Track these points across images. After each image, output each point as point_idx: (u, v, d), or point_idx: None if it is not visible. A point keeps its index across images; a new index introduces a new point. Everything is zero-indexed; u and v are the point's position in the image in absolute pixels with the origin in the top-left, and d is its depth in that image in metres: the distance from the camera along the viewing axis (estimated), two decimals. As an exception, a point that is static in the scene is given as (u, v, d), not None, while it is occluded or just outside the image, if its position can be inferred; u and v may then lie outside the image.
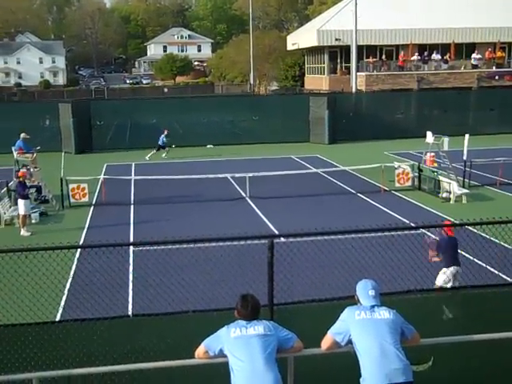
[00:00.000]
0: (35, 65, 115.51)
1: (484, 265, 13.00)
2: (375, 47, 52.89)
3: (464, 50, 52.69)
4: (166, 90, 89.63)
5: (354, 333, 5.81)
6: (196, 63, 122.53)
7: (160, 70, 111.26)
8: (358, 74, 47.52)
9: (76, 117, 34.59)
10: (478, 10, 53.04)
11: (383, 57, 52.10)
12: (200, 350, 5.84)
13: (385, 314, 5.88)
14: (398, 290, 7.98)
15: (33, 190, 20.70)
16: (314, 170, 25.86)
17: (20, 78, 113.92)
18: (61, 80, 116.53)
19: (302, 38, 60.56)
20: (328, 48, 54.73)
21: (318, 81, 58.20)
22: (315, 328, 6.05)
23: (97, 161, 31.52)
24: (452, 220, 17.28)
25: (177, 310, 7.26)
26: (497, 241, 12.11)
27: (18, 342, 6.26)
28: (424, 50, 51.53)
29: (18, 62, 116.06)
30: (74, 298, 11.92)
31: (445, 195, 21.12)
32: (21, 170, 19.43)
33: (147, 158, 31.95)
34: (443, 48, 51.92)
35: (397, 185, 22.77)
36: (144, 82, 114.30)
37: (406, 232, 12.51)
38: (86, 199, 21.11)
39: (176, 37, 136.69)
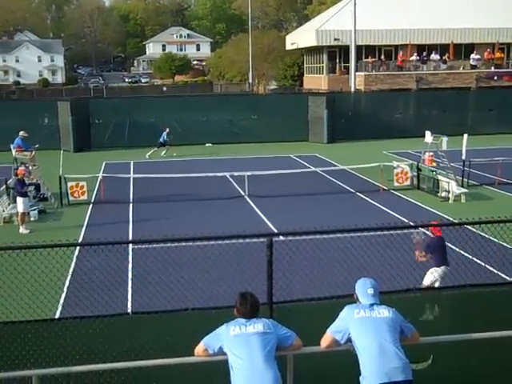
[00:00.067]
0: (34, 63, 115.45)
1: (483, 264, 13.00)
2: (374, 47, 52.93)
3: (463, 51, 52.77)
4: (164, 88, 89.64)
5: (353, 331, 5.82)
6: (195, 62, 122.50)
7: (159, 69, 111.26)
8: (357, 73, 47.54)
9: (75, 115, 34.56)
10: (477, 11, 53.08)
11: (382, 57, 52.15)
12: (199, 348, 5.84)
13: (384, 312, 5.88)
14: (397, 288, 8.00)
15: (31, 188, 20.66)
16: (313, 168, 25.86)
17: (19, 76, 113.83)
18: (59, 78, 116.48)
19: (300, 37, 60.58)
20: (327, 48, 54.76)
21: (316, 80, 58.22)
22: (314, 326, 6.06)
23: (95, 159, 31.50)
24: (451, 219, 17.30)
25: (176, 307, 7.27)
26: (496, 240, 12.10)
27: (17, 339, 6.26)
28: (423, 50, 51.57)
29: (17, 61, 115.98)
30: (73, 295, 11.91)
31: (443, 194, 21.14)
32: (19, 168, 19.40)
33: (147, 156, 31.97)
34: (442, 48, 51.98)
35: (396, 184, 22.78)
36: (143, 80, 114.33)
37: (405, 231, 12.54)
38: (84, 197, 21.10)
39: (175, 36, 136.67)
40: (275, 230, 16.63)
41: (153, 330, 6.53)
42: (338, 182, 24.11)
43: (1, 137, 29.59)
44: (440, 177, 21.91)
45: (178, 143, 32.88)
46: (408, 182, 22.89)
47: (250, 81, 76.35)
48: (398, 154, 30.51)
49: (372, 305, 5.92)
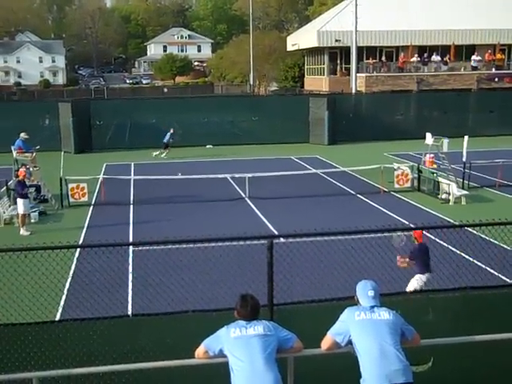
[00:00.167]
0: (35, 64, 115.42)
1: (483, 266, 13.01)
2: (375, 48, 52.95)
3: (464, 52, 52.75)
4: (165, 90, 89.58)
5: (353, 333, 5.81)
6: (196, 63, 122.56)
7: (160, 70, 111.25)
8: (358, 75, 47.55)
9: (76, 116, 34.59)
10: (478, 12, 53.08)
11: (383, 58, 52.16)
12: (200, 350, 5.84)
13: (385, 314, 5.88)
14: (397, 290, 7.99)
15: (32, 190, 20.68)
16: (314, 170, 25.87)
17: (20, 77, 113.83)
18: (60, 79, 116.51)
19: (302, 38, 60.59)
20: (328, 49, 54.77)
21: (317, 82, 58.22)
22: (315, 328, 6.05)
23: (96, 160, 31.51)
24: (451, 221, 17.29)
25: (176, 309, 7.26)
26: (496, 242, 12.12)
27: (17, 341, 6.26)
28: (424, 51, 51.57)
29: (18, 61, 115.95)
30: (73, 297, 11.92)
31: (444, 196, 21.14)
32: (20, 170, 19.42)
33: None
34: (443, 50, 51.99)
35: (396, 186, 22.78)
36: (144, 81, 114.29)
37: (406, 233, 12.54)
38: (85, 199, 21.11)
39: (176, 37, 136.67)
40: (276, 232, 16.62)
41: (153, 332, 6.53)
42: (338, 183, 24.11)
43: (1, 138, 29.63)
44: (440, 179, 21.91)
45: (178, 145, 32.93)
46: (408, 184, 22.89)
47: (251, 82, 76.35)
48: (398, 156, 30.50)
49: (373, 307, 5.92)
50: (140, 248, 14.94)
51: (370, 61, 50.73)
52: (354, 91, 45.46)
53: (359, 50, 48.09)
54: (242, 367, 5.53)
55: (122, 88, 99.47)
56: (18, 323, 6.55)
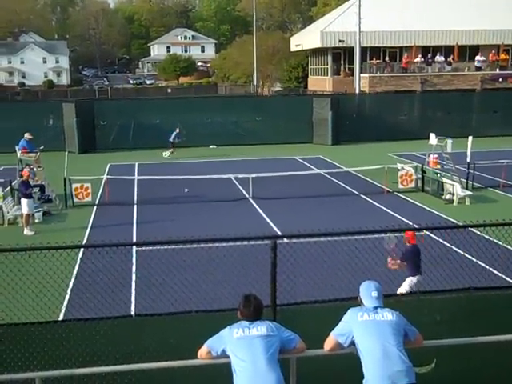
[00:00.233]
0: (39, 64, 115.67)
1: (487, 267, 12.99)
2: (379, 49, 52.94)
3: (467, 52, 52.72)
4: (169, 90, 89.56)
5: (356, 334, 5.80)
6: (199, 64, 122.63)
7: (163, 71, 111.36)
8: (362, 75, 47.49)
9: (79, 117, 34.65)
10: (481, 13, 53.02)
11: (387, 58, 52.16)
12: (203, 351, 5.83)
13: (388, 315, 5.87)
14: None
15: (36, 190, 20.71)
16: (317, 170, 25.87)
17: (23, 77, 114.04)
18: (64, 80, 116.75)
19: (305, 39, 60.60)
20: (331, 49, 54.78)
21: (321, 82, 58.22)
22: (318, 329, 6.05)
23: (100, 160, 31.55)
24: (455, 222, 17.26)
25: (179, 310, 7.26)
26: (500, 243, 12.11)
27: (21, 341, 6.26)
28: (427, 51, 51.51)
29: (22, 62, 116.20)
30: (77, 297, 11.93)
31: (448, 197, 21.11)
32: (24, 170, 19.45)
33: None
34: (447, 50, 51.95)
35: (400, 186, 22.75)
36: (147, 82, 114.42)
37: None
38: (89, 199, 21.14)
39: (179, 37, 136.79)
40: (279, 232, 16.63)
41: (156, 333, 6.53)
42: (342, 184, 24.09)
43: (6, 138, 29.70)
44: (444, 179, 21.87)
45: (182, 145, 32.93)
46: (412, 185, 22.88)
47: (255, 82, 76.37)
48: (402, 156, 30.47)
49: (376, 308, 5.91)
50: (143, 248, 14.95)
51: (374, 61, 50.71)
52: (357, 91, 45.41)
53: (363, 50, 48.05)
54: (245, 367, 5.53)
55: (126, 88, 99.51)
56: (21, 323, 6.56)
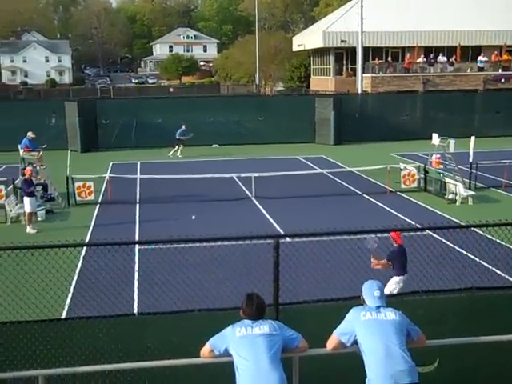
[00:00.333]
0: (41, 63, 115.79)
1: (490, 267, 12.98)
2: (381, 49, 52.88)
3: (470, 53, 52.66)
4: (171, 89, 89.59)
5: (359, 333, 5.80)
6: (202, 63, 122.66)
7: (166, 70, 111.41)
8: (364, 75, 47.49)
9: (82, 115, 34.68)
10: (484, 13, 52.96)
11: (389, 59, 52.10)
12: (205, 349, 5.84)
13: (391, 315, 5.87)
14: (404, 290, 7.98)
15: (39, 188, 20.72)
16: (320, 170, 25.86)
17: (26, 76, 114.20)
18: (67, 79, 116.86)
19: (307, 39, 60.58)
20: (334, 49, 54.75)
21: (323, 82, 58.20)
22: (320, 328, 6.05)
23: (103, 159, 31.58)
24: (457, 222, 17.25)
25: (182, 308, 7.27)
26: (503, 243, 12.09)
27: (23, 339, 6.28)
28: (430, 52, 51.46)
29: (25, 61, 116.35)
30: (79, 295, 11.93)
31: (451, 197, 21.10)
32: (27, 168, 19.47)
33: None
34: (449, 50, 51.91)
35: (402, 186, 22.74)
36: (150, 81, 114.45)
37: (412, 233, 12.51)
38: (91, 197, 21.15)
39: (182, 37, 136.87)
40: (282, 232, 16.62)
41: (159, 331, 6.54)
42: (344, 183, 24.08)
43: (8, 137, 29.72)
44: (447, 179, 21.86)
45: (185, 144, 32.91)
46: (415, 184, 22.86)
47: (257, 82, 76.37)
48: (404, 156, 30.46)
49: (379, 307, 5.91)
50: (146, 247, 14.95)
51: (376, 61, 50.66)
52: (359, 91, 45.41)
53: (365, 50, 48.02)
54: (247, 366, 5.53)
55: (128, 87, 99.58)
56: (24, 321, 6.57)
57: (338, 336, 5.91)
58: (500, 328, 6.61)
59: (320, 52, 58.59)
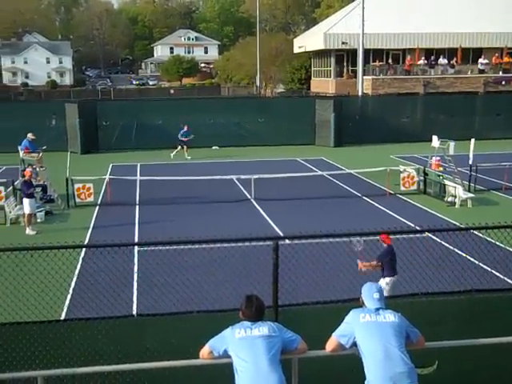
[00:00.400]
0: (42, 65, 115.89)
1: (489, 269, 12.98)
2: (382, 51, 52.90)
3: (471, 55, 52.67)
4: (172, 91, 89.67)
5: (358, 335, 5.80)
6: (203, 65, 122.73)
7: (166, 72, 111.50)
8: (365, 77, 47.51)
9: (82, 117, 34.69)
10: (485, 16, 53.00)
11: (390, 61, 52.09)
12: (205, 351, 5.84)
13: (390, 317, 5.87)
14: (402, 293, 7.98)
15: (38, 190, 20.73)
16: (320, 172, 25.86)
17: (27, 77, 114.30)
18: (67, 80, 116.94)
19: (308, 40, 60.62)
20: (335, 51, 54.78)
21: (324, 84, 58.23)
22: (320, 330, 6.05)
23: (102, 161, 31.58)
24: (457, 224, 17.25)
25: (181, 310, 7.28)
26: (502, 245, 12.08)
27: (23, 340, 6.28)
28: (431, 54, 51.51)
29: (25, 62, 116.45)
30: (78, 297, 11.95)
31: (450, 199, 21.09)
32: (26, 170, 19.48)
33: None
34: (450, 52, 51.90)
35: (402, 188, 22.74)
36: (150, 83, 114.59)
37: (411, 235, 12.52)
38: (91, 199, 21.16)
39: (183, 38, 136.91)
40: (281, 234, 16.63)
41: (158, 332, 6.54)
42: (344, 185, 24.09)
43: (8, 138, 29.72)
44: (447, 181, 21.86)
45: (188, 145, 32.90)
46: (414, 187, 22.86)
47: (258, 84, 76.40)
48: (404, 159, 30.48)
49: (378, 309, 5.91)
50: (145, 248, 14.96)
51: (377, 63, 50.67)
52: (360, 93, 45.43)
53: (366, 52, 48.01)
54: (247, 368, 5.53)
55: (129, 89, 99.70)
56: (23, 322, 6.58)
57: (337, 338, 5.91)
58: (499, 330, 6.61)
59: (321, 54, 58.64)
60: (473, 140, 21.97)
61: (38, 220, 19.03)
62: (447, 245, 13.89)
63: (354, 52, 49.58)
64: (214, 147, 36.40)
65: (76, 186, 21.12)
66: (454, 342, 6.42)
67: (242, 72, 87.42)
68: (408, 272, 11.02)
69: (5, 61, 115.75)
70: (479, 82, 49.01)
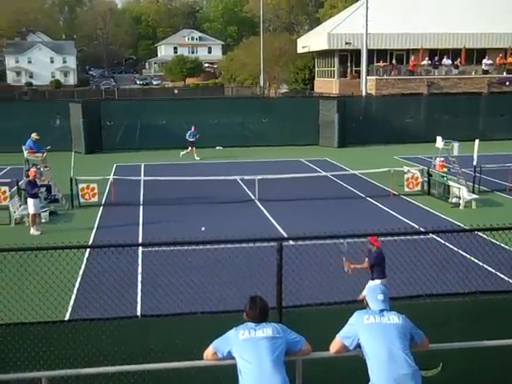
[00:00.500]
0: (46, 64, 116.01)
1: (494, 271, 12.95)
2: (386, 51, 52.87)
3: (475, 56, 52.62)
4: (175, 91, 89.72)
5: (362, 337, 5.80)
6: (206, 65, 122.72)
7: (170, 72, 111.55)
8: (368, 77, 47.45)
9: (86, 117, 34.74)
10: (489, 16, 52.92)
11: (393, 61, 52.08)
12: (208, 352, 5.83)
13: (394, 318, 5.86)
14: (407, 294, 7.97)
15: (43, 190, 20.76)
16: (323, 173, 25.85)
17: (31, 77, 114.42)
18: (71, 80, 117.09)
19: (312, 41, 60.59)
20: (338, 51, 54.75)
21: (327, 84, 58.20)
22: (324, 331, 6.04)
23: (106, 161, 31.61)
24: (461, 225, 17.23)
25: (185, 311, 7.27)
26: (507, 247, 12.06)
27: (27, 340, 6.29)
28: (435, 54, 51.46)
29: (29, 62, 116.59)
30: (82, 297, 11.95)
31: (454, 200, 21.05)
32: (31, 170, 19.50)
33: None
34: (454, 53, 51.86)
35: (406, 189, 22.71)
36: (154, 83, 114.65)
37: (416, 237, 12.51)
38: (95, 199, 21.18)
39: (187, 38, 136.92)
40: (285, 235, 16.63)
41: (162, 333, 6.55)
42: (348, 186, 24.07)
43: (12, 138, 29.76)
44: (451, 182, 21.83)
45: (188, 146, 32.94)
46: (418, 188, 22.83)
47: (261, 84, 76.39)
48: (408, 159, 30.45)
49: (382, 311, 5.91)
50: (149, 249, 14.96)
51: (381, 64, 50.66)
52: (364, 94, 45.37)
53: (369, 52, 47.97)
54: (250, 369, 5.53)
55: (133, 89, 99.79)
56: (27, 322, 6.58)
57: (341, 339, 5.90)
58: (504, 332, 6.60)
59: (324, 54, 58.61)
60: (477, 141, 21.95)
61: (43, 220, 19.05)
62: (451, 246, 13.87)
63: (358, 52, 49.52)
64: (217, 147, 36.40)
65: (80, 186, 21.15)
66: (458, 344, 6.41)
67: (245, 72, 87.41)
68: (412, 273, 11.00)
69: (9, 60, 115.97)
70: (483, 82, 48.97)
